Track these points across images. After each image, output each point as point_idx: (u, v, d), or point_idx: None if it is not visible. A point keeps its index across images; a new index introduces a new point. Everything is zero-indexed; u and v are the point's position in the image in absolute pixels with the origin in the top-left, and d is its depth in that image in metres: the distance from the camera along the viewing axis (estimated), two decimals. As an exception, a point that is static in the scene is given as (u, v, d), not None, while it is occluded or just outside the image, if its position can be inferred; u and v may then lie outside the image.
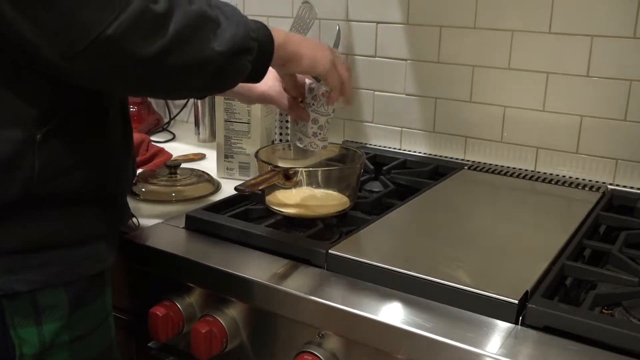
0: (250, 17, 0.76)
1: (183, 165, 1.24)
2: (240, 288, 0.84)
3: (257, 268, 0.86)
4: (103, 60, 0.65)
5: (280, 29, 0.82)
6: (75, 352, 0.77)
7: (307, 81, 0.94)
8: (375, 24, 1.41)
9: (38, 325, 0.73)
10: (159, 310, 0.88)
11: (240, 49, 0.73)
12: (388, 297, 0.79)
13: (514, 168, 1.30)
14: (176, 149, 1.45)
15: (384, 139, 1.46)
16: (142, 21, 0.64)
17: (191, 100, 1.66)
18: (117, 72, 0.67)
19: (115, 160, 0.81)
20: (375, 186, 1.20)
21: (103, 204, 0.79)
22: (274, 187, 0.97)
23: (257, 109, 1.21)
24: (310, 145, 0.95)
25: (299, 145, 0.96)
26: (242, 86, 0.86)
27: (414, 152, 1.41)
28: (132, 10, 0.63)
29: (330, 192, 0.99)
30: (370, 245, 0.91)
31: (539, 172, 1.28)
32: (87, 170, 0.75)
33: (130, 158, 0.85)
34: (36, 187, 0.70)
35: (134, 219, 0.96)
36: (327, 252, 0.85)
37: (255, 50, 0.75)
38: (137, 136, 1.25)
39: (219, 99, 1.23)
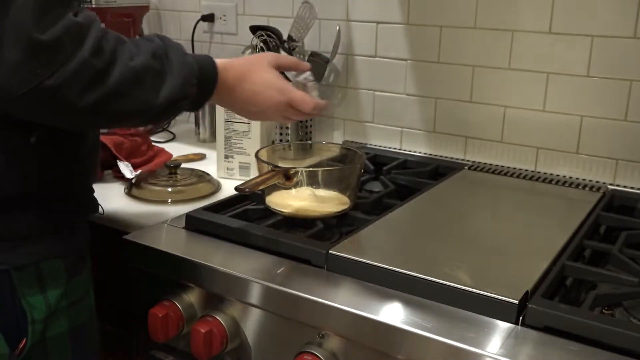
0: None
1: (183, 165, 1.24)
2: (240, 288, 0.84)
3: (257, 268, 0.86)
4: (41, 105, 0.70)
5: (240, 69, 0.87)
6: (71, 316, 0.86)
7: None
8: (375, 24, 1.41)
9: (43, 293, 0.82)
10: (159, 311, 0.88)
11: (177, 98, 0.79)
12: (388, 297, 0.78)
13: (514, 168, 1.30)
14: (176, 149, 1.45)
15: (384, 139, 1.46)
16: (81, 75, 0.69)
17: (191, 100, 1.66)
18: (54, 115, 0.73)
19: (89, 160, 0.88)
20: (376, 186, 1.20)
21: (79, 199, 0.88)
22: (274, 187, 0.97)
23: (257, 109, 1.21)
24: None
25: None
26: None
27: (414, 152, 1.41)
28: (74, 64, 0.69)
29: (330, 192, 0.99)
30: (370, 246, 0.91)
31: (539, 172, 1.28)
32: (68, 171, 0.83)
33: (99, 155, 0.93)
34: (27, 186, 0.79)
35: (100, 208, 1.00)
36: (327, 252, 0.85)
37: (194, 94, 0.81)
38: (135, 138, 1.26)
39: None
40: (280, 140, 1.43)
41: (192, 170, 1.24)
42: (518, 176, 1.24)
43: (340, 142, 1.49)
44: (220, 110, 1.23)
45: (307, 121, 1.45)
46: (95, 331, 0.94)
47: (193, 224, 0.98)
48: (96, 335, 0.94)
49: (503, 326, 0.73)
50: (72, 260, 0.85)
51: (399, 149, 1.44)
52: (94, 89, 0.71)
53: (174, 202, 1.12)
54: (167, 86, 0.77)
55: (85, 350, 0.90)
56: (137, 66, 0.74)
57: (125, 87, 0.73)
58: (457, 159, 1.37)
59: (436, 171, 1.29)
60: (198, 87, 0.81)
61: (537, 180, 1.22)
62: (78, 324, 0.87)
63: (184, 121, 1.74)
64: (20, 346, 0.81)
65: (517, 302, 0.73)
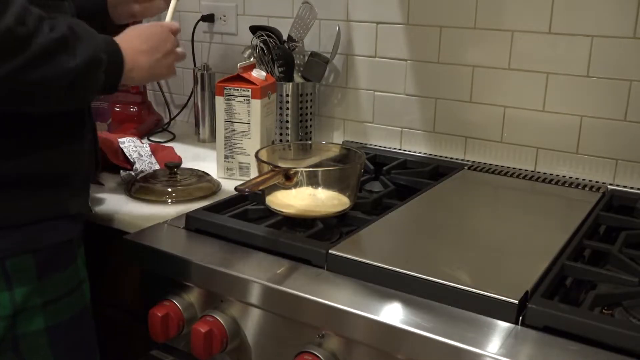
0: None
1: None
2: (240, 288, 0.84)
3: (257, 268, 0.86)
4: None
5: (133, 51, 0.89)
6: (49, 314, 0.85)
7: None
8: (375, 24, 1.41)
9: (9, 290, 0.81)
10: (159, 310, 0.88)
11: (91, 63, 0.80)
12: (388, 297, 0.79)
13: (514, 168, 1.30)
14: (176, 149, 1.45)
15: (384, 139, 1.46)
16: (4, 40, 0.71)
17: (191, 100, 1.66)
18: None
19: (66, 146, 0.87)
20: (376, 186, 1.20)
21: (58, 186, 0.86)
22: (274, 187, 0.97)
23: (257, 109, 1.21)
24: None
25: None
26: None
27: (414, 152, 1.42)
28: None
29: (330, 192, 0.99)
30: (370, 246, 0.91)
31: (539, 172, 1.28)
32: (37, 154, 0.82)
33: (86, 147, 0.91)
34: None
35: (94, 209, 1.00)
36: (327, 252, 0.85)
37: (105, 62, 0.82)
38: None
39: (219, 99, 1.23)
40: (280, 140, 1.43)
41: (192, 170, 1.24)
42: (518, 176, 1.24)
43: (340, 142, 1.49)
44: (220, 110, 1.23)
45: (307, 121, 1.45)
46: (89, 331, 0.92)
47: (193, 224, 0.98)
48: (90, 335, 0.93)
49: (503, 326, 0.73)
50: (45, 256, 0.83)
51: (399, 149, 1.44)
52: (14, 56, 0.72)
53: (174, 202, 1.12)
54: (80, 52, 0.79)
55: (71, 351, 0.89)
56: (55, 37, 0.76)
57: (43, 56, 0.74)
58: (457, 159, 1.37)
59: (436, 171, 1.29)
60: (108, 57, 0.83)
61: (537, 180, 1.22)
62: (56, 323, 0.86)
63: (184, 121, 1.75)
64: None
65: (516, 302, 0.73)
